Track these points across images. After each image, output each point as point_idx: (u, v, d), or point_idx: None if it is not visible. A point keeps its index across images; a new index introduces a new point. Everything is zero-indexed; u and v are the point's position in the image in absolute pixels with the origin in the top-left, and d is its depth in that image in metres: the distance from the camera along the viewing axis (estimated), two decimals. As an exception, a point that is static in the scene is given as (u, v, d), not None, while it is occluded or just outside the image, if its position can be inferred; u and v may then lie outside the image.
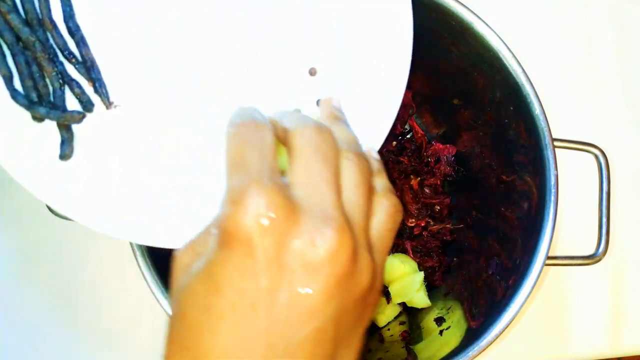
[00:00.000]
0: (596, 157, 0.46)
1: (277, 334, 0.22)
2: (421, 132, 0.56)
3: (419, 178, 0.55)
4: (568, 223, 0.57)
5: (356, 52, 0.34)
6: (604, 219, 0.46)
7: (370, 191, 0.26)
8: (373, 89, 0.34)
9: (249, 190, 0.22)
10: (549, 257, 0.40)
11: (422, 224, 0.54)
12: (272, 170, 0.23)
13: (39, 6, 0.30)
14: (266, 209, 0.21)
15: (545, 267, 0.40)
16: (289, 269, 0.22)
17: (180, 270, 0.24)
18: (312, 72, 0.33)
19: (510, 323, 0.39)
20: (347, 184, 0.25)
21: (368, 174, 0.26)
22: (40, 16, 0.30)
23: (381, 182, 0.28)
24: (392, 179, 0.54)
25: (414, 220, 0.54)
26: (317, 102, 0.34)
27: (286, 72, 0.33)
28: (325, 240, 0.22)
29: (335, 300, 0.22)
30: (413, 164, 0.55)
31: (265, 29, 0.33)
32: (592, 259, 0.46)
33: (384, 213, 0.27)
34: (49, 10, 0.30)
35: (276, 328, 0.22)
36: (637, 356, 0.57)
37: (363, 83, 0.34)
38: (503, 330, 0.39)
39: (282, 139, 0.26)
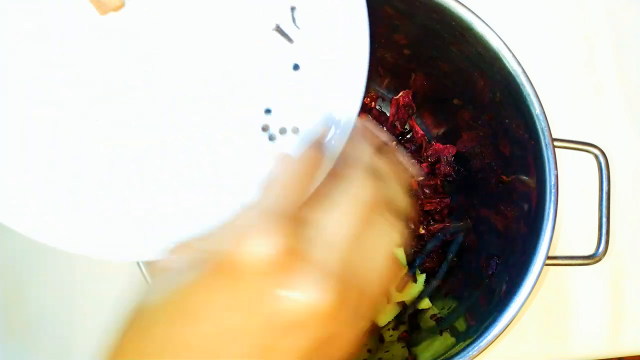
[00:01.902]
0: (596, 157, 0.46)
1: None
2: (421, 132, 0.56)
3: (419, 178, 0.55)
4: (568, 223, 0.57)
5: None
6: (604, 219, 0.46)
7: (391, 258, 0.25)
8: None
9: (260, 226, 0.21)
10: (549, 257, 0.40)
11: (421, 232, 0.54)
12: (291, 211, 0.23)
13: None
14: (268, 249, 0.21)
15: (545, 267, 0.40)
16: (269, 315, 0.21)
17: (158, 274, 0.24)
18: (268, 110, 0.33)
19: (510, 323, 0.39)
20: (373, 246, 0.24)
21: (395, 240, 0.25)
22: None
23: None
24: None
25: (413, 226, 0.54)
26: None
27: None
28: (312, 298, 0.21)
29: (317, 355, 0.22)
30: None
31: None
32: (592, 259, 0.46)
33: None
34: None
35: None
36: (637, 356, 0.57)
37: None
38: (503, 330, 0.39)
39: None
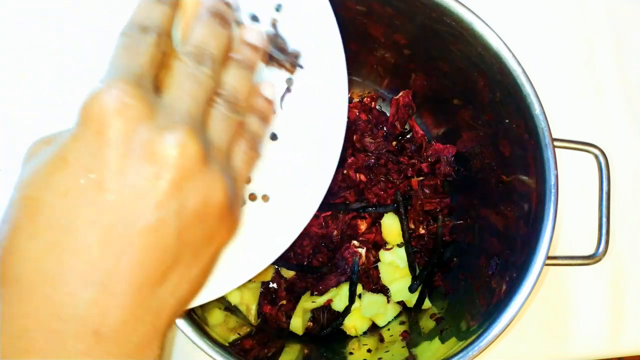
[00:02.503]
0: (596, 157, 0.46)
1: (118, 216, 0.22)
2: (421, 132, 0.56)
3: (419, 178, 0.55)
4: (568, 223, 0.57)
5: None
6: (604, 219, 0.46)
7: (236, 127, 0.28)
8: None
9: (113, 81, 0.23)
10: (549, 257, 0.40)
11: (421, 232, 0.54)
12: (141, 75, 0.24)
13: None
14: (124, 95, 0.22)
15: (545, 267, 0.40)
16: (138, 155, 0.22)
17: (28, 157, 0.25)
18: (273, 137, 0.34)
19: (510, 323, 0.39)
20: (215, 114, 0.26)
21: (235, 117, 0.28)
22: None
23: (255, 122, 0.30)
24: (392, 180, 0.55)
25: (413, 226, 0.54)
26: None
27: None
28: (173, 135, 0.23)
29: (181, 196, 0.23)
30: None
31: None
32: (592, 259, 0.46)
33: (242, 150, 0.28)
34: None
35: (119, 210, 0.22)
36: (637, 356, 0.57)
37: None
38: (503, 330, 0.39)
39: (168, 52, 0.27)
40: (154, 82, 0.25)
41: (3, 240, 0.22)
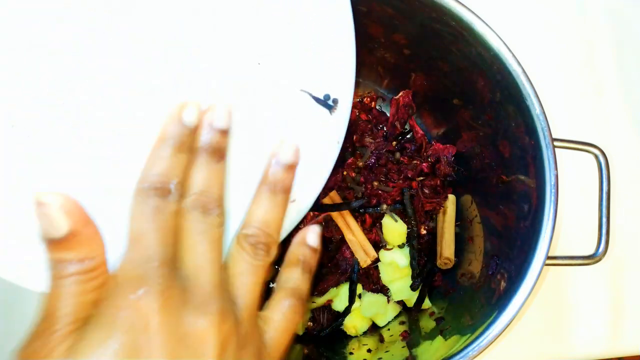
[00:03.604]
0: (596, 157, 0.46)
1: None
2: (421, 132, 0.56)
3: (420, 178, 0.55)
4: (568, 223, 0.57)
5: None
6: (604, 219, 0.46)
7: (260, 285, 0.27)
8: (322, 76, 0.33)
9: (143, 276, 0.23)
10: (549, 257, 0.40)
11: (422, 232, 0.54)
12: (165, 254, 0.24)
13: None
14: (159, 294, 0.22)
15: (545, 267, 0.40)
16: (171, 340, 0.22)
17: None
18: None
19: (510, 323, 0.39)
20: (236, 272, 0.26)
21: (262, 269, 0.27)
22: None
23: (296, 277, 0.28)
24: (392, 180, 0.55)
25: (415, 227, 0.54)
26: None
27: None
28: (201, 324, 0.23)
29: None
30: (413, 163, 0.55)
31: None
32: (592, 259, 0.46)
33: (282, 313, 0.27)
34: None
35: None
36: (637, 356, 0.57)
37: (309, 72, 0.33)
38: (503, 330, 0.39)
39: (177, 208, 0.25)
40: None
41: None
